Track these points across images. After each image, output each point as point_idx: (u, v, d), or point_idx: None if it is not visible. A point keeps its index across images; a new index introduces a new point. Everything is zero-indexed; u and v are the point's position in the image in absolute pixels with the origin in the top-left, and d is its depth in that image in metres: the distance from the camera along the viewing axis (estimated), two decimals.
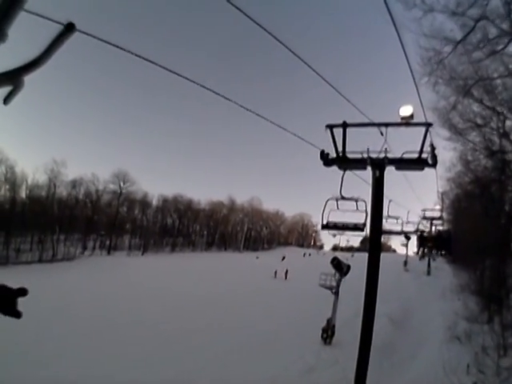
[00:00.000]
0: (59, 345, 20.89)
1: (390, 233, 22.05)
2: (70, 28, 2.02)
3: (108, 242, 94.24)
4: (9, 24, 1.88)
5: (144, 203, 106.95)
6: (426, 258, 57.07)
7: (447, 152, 26.27)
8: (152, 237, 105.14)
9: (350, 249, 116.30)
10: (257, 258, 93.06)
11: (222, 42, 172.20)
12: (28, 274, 50.54)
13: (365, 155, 10.50)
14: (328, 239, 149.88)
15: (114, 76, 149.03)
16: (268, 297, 38.36)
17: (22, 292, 2.35)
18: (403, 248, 64.30)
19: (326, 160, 10.86)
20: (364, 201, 10.86)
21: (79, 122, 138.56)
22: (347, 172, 11.55)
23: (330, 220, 11.44)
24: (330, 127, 10.65)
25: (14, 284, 2.38)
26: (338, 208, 11.37)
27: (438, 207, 44.25)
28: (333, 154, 10.78)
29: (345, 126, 10.54)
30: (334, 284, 23.15)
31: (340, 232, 11.34)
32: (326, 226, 11.65)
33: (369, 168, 10.59)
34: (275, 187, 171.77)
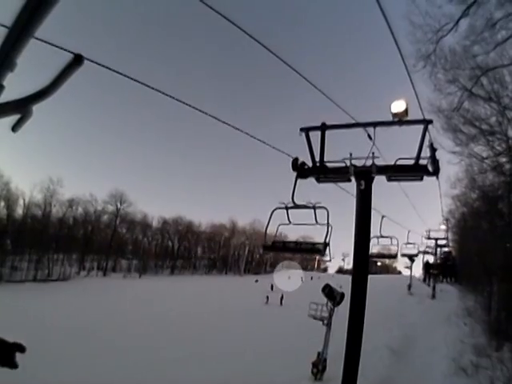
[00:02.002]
0: None
1: (384, 256, 19.89)
2: (78, 60, 2.02)
3: (106, 264, 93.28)
4: (18, 53, 1.93)
5: (143, 225, 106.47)
6: (431, 282, 55.23)
7: (452, 166, 24.40)
8: (151, 259, 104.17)
9: None
10: (256, 281, 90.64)
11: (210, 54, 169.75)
12: (17, 292, 52.38)
13: (348, 162, 8.69)
14: (333, 261, 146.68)
15: (114, 95, 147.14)
16: (257, 324, 36.03)
17: (20, 348, 2.46)
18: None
19: (301, 170, 9.02)
20: (325, 208, 8.20)
21: (75, 142, 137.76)
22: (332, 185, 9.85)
23: (279, 238, 9.35)
24: (306, 130, 8.92)
25: None
26: (289, 221, 8.81)
27: (443, 227, 42.66)
28: (309, 164, 9.03)
29: (324, 128, 8.81)
30: (326, 315, 20.84)
31: (292, 255, 9.35)
32: (270, 247, 9.32)
33: (353, 179, 8.81)
34: (278, 210, 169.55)
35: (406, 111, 8.15)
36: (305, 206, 8.45)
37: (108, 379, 19.41)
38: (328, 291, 20.46)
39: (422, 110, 9.17)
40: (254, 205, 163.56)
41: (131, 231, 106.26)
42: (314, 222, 8.34)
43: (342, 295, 20.80)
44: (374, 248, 15.97)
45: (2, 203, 76.82)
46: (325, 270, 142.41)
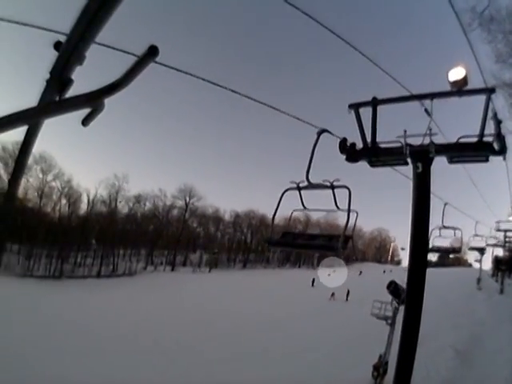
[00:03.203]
0: None
1: (446, 251, 18.09)
2: (152, 51, 1.97)
3: (174, 258, 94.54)
4: (87, 46, 2.04)
5: (215, 218, 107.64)
6: (499, 277, 52.42)
7: None
8: (224, 252, 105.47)
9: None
10: (328, 275, 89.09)
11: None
12: (72, 287, 55.16)
13: (402, 141, 7.51)
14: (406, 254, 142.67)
15: (182, 90, 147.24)
16: (320, 321, 35.05)
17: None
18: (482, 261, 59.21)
19: (351, 153, 8.07)
20: (347, 188, 5.96)
21: (141, 137, 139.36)
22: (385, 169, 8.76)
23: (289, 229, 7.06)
24: (356, 106, 7.97)
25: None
26: (303, 206, 6.69)
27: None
28: (360, 145, 8.05)
29: (375, 103, 7.84)
30: (390, 314, 19.16)
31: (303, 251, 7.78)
32: (276, 243, 6.99)
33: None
34: (354, 202, 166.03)
35: (465, 79, 7.03)
36: (321, 186, 6.35)
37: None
38: (393, 288, 18.70)
39: (482, 75, 7.99)
40: (330, 198, 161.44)
41: (203, 225, 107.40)
42: (335, 206, 6.31)
43: None
44: (437, 241, 14.63)
45: (64, 201, 79.31)
46: (398, 262, 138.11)
